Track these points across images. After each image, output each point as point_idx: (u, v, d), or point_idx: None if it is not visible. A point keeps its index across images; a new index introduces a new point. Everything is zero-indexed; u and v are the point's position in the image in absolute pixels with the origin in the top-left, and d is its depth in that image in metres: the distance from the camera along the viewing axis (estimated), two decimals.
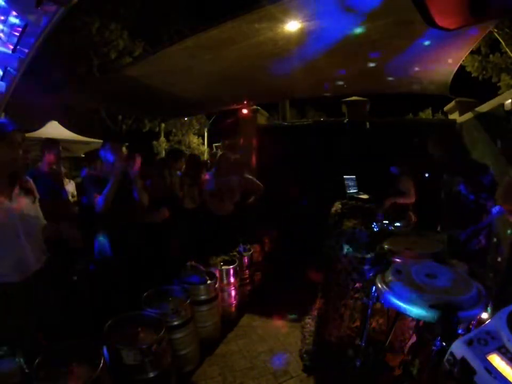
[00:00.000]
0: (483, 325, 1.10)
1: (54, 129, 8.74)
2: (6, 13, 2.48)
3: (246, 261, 3.75)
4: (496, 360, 0.94)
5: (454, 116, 5.14)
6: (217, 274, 3.14)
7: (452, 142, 2.87)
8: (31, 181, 1.93)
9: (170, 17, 14.25)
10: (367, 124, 5.45)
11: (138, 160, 2.67)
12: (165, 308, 2.46)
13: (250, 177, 4.34)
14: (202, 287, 2.86)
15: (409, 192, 4.07)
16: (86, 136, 9.34)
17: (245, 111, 5.86)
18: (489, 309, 1.55)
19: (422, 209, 3.66)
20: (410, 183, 4.07)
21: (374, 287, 1.98)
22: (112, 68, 10.02)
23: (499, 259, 2.40)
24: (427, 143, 2.88)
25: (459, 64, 3.56)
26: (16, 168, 1.78)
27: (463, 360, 0.97)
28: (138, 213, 2.71)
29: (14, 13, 2.43)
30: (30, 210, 1.81)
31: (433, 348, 1.48)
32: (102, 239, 2.56)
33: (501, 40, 7.49)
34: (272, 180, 5.21)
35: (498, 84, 8.13)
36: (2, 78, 2.95)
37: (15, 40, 2.64)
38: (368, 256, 2.46)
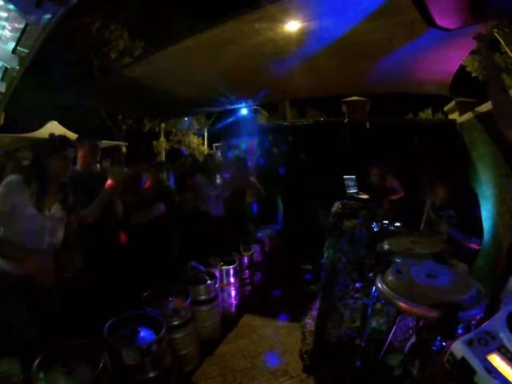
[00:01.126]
0: (483, 325, 1.10)
1: (54, 129, 8.74)
2: (6, 13, 2.48)
3: (246, 261, 3.75)
4: (496, 360, 0.94)
5: (454, 116, 5.14)
6: (217, 274, 3.14)
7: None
8: (71, 196, 2.02)
9: (170, 17, 14.26)
10: (367, 124, 5.45)
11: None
12: (165, 308, 2.47)
13: (253, 180, 4.36)
14: (202, 287, 2.86)
15: (398, 188, 4.19)
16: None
17: (244, 111, 5.86)
18: None
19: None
20: (395, 180, 4.21)
21: (374, 287, 1.98)
22: (112, 68, 10.02)
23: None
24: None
25: (459, 64, 3.56)
26: (64, 181, 1.92)
27: (463, 360, 0.97)
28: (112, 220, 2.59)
29: (14, 13, 2.43)
30: (60, 224, 1.93)
31: (433, 347, 1.49)
32: None
33: (501, 40, 7.50)
34: (272, 180, 5.22)
35: None
36: (2, 78, 2.95)
37: (15, 40, 2.64)
38: (368, 256, 2.46)
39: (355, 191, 4.30)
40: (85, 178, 2.47)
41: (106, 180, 2.42)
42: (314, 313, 3.11)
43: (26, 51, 2.72)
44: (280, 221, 5.24)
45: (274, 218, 5.28)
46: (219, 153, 4.51)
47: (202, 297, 2.85)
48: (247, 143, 6.02)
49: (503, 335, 0.98)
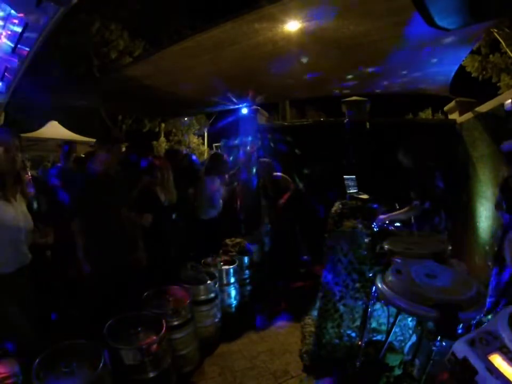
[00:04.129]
0: (484, 324, 1.10)
1: (54, 129, 8.75)
2: (6, 13, 2.47)
3: (246, 261, 3.75)
4: (497, 360, 0.94)
5: (454, 116, 5.14)
6: (217, 274, 3.14)
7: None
8: (27, 183, 2.08)
9: (170, 17, 14.25)
10: (367, 123, 5.44)
11: None
12: (165, 307, 2.46)
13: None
14: (202, 287, 2.85)
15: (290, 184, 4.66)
16: (86, 136, 9.34)
17: (244, 111, 5.85)
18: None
19: None
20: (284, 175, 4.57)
21: (374, 287, 1.98)
22: (112, 68, 10.01)
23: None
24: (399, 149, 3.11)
25: (459, 64, 3.56)
26: (18, 170, 1.94)
27: (465, 360, 0.97)
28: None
29: (14, 13, 2.42)
30: (27, 212, 1.96)
31: (433, 348, 1.49)
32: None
33: (501, 40, 7.48)
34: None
35: (498, 84, 8.13)
36: (2, 78, 2.95)
37: (15, 40, 2.64)
38: (368, 256, 2.46)
39: (355, 191, 4.29)
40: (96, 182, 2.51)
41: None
42: (314, 313, 3.11)
43: (26, 51, 2.72)
44: (280, 220, 5.22)
45: (275, 218, 5.26)
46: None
47: (202, 297, 2.84)
48: (247, 143, 6.01)
49: (505, 335, 0.98)
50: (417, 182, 2.87)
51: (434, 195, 2.84)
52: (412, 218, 2.94)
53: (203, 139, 19.45)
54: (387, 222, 2.79)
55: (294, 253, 4.70)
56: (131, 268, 2.56)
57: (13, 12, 2.41)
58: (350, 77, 4.12)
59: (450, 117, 5.34)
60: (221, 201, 3.91)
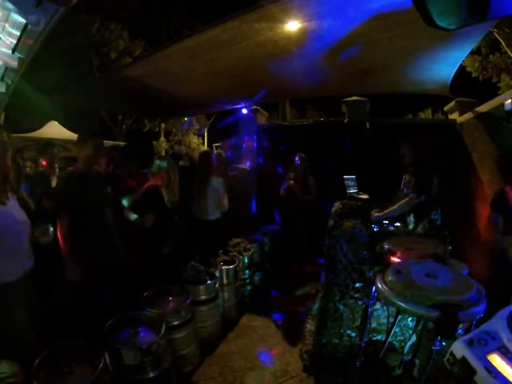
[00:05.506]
0: (483, 324, 1.10)
1: (54, 129, 8.74)
2: (5, 13, 2.47)
3: (246, 261, 3.75)
4: (496, 360, 0.94)
5: (454, 116, 5.14)
6: (217, 274, 3.14)
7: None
8: (15, 180, 1.95)
9: (170, 17, 14.25)
10: (367, 123, 5.45)
11: None
12: (165, 308, 2.47)
13: None
14: (202, 287, 2.86)
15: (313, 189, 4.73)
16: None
17: (244, 111, 5.86)
18: None
19: None
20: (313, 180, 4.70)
21: (374, 287, 1.98)
22: (112, 68, 10.02)
23: None
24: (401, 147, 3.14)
25: (459, 64, 3.56)
26: (7, 168, 1.79)
27: (463, 360, 0.97)
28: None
29: (14, 13, 2.42)
30: (21, 210, 1.86)
31: (433, 348, 1.49)
32: None
33: (501, 40, 7.49)
34: (272, 180, 5.22)
35: (498, 84, 8.14)
36: (2, 78, 2.95)
37: (15, 40, 2.64)
38: (368, 256, 2.46)
39: (355, 191, 4.30)
40: (85, 180, 2.42)
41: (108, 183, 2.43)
42: (314, 313, 3.11)
43: (26, 51, 2.72)
44: (279, 221, 5.23)
45: (274, 218, 5.27)
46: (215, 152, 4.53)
47: (202, 297, 2.85)
48: (247, 143, 6.02)
49: (503, 335, 0.98)
50: (415, 176, 2.90)
51: (431, 190, 2.86)
52: (410, 216, 2.95)
53: (203, 139, 19.46)
54: (384, 219, 2.80)
55: (297, 253, 4.70)
56: (127, 267, 2.54)
57: (13, 12, 2.41)
58: (350, 76, 4.11)
59: (450, 117, 5.35)
60: (226, 201, 3.90)
